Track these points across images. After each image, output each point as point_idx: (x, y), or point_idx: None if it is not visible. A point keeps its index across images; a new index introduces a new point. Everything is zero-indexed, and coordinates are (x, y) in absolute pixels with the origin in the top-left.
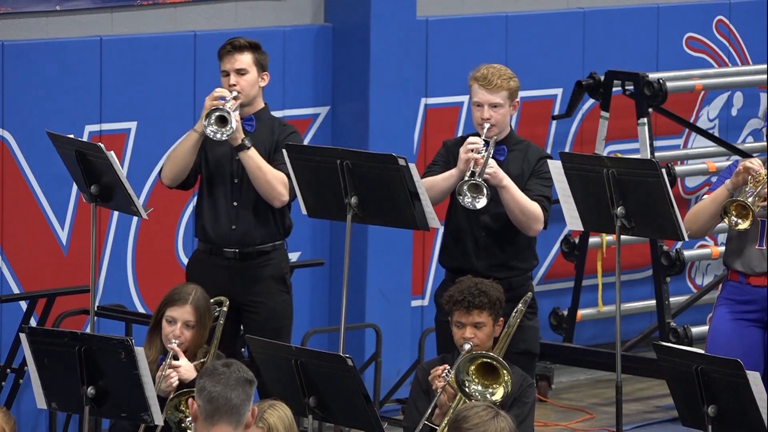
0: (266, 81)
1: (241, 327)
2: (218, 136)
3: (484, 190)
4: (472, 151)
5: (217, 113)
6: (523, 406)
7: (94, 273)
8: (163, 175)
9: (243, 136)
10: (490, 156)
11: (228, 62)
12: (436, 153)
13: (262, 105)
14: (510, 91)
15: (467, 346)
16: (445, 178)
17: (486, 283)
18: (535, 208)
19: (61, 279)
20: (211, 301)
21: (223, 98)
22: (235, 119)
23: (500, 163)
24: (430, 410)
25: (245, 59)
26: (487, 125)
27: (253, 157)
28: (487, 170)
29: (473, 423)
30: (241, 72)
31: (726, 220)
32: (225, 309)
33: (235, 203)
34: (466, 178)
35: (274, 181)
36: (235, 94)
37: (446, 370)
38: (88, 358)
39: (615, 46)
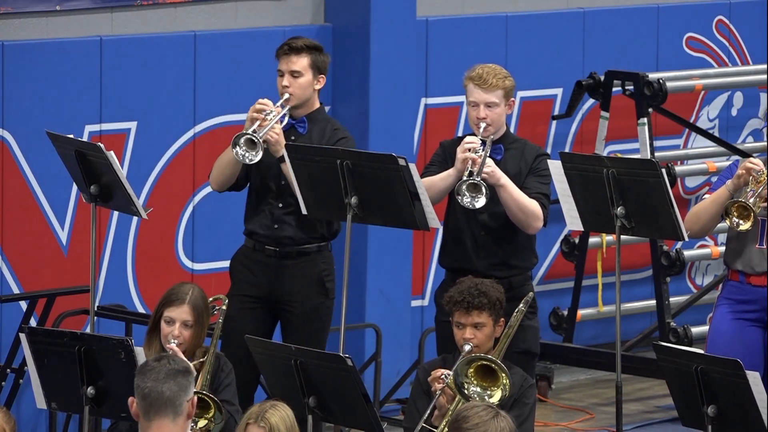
0: (322, 84)
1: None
2: (248, 159)
3: (483, 189)
4: (469, 150)
5: (245, 137)
6: (524, 407)
7: (94, 273)
8: (211, 180)
9: (283, 148)
10: (487, 155)
11: (284, 63)
12: (433, 153)
13: (317, 106)
14: (505, 90)
15: (467, 347)
16: (443, 178)
17: (486, 284)
18: (534, 206)
19: (61, 279)
20: (210, 300)
21: (264, 111)
22: (263, 146)
23: (497, 162)
24: (428, 411)
25: (301, 62)
26: (483, 125)
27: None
28: (485, 169)
29: (473, 423)
30: (295, 74)
31: (727, 221)
32: (224, 308)
33: (280, 205)
34: (464, 178)
35: None
36: (287, 96)
37: (445, 373)
38: (88, 358)
39: (615, 46)
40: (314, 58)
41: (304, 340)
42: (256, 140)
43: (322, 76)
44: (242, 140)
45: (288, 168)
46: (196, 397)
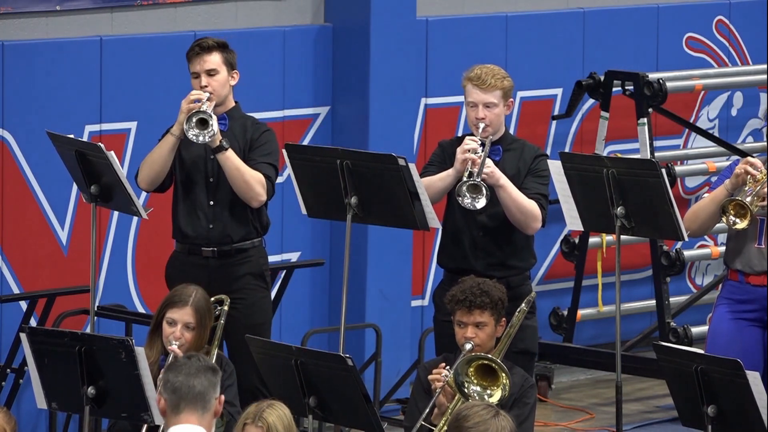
0: (236, 79)
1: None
2: (201, 138)
3: (484, 190)
4: (469, 151)
5: (198, 116)
6: (524, 407)
7: (94, 273)
8: (140, 180)
9: (221, 137)
10: (487, 156)
11: (197, 64)
12: (431, 153)
13: (233, 104)
14: (504, 91)
15: (468, 346)
16: (441, 178)
17: (488, 284)
18: (532, 206)
19: (61, 279)
20: (212, 299)
21: (198, 101)
22: (212, 119)
23: (496, 163)
24: (428, 410)
25: (214, 59)
26: (482, 125)
27: (231, 158)
28: (484, 170)
29: (474, 422)
30: (211, 73)
31: (724, 220)
32: (226, 308)
33: (211, 202)
34: (465, 179)
35: (252, 181)
36: (208, 95)
37: (446, 371)
38: (88, 358)
39: (615, 46)
40: (225, 54)
41: (251, 335)
42: (206, 117)
43: (235, 71)
44: (194, 120)
45: (226, 158)
46: (223, 396)
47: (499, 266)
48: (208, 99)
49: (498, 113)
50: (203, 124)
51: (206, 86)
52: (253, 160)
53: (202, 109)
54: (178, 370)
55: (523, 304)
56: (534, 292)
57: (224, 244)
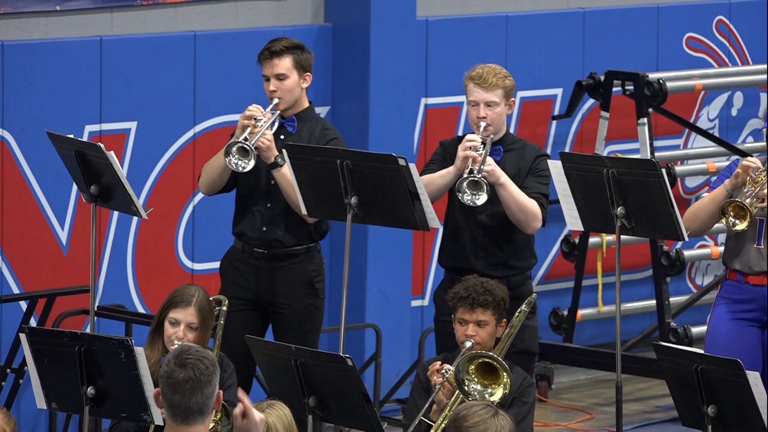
0: (308, 82)
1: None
2: (241, 167)
3: (484, 187)
4: (470, 149)
5: (237, 146)
6: (523, 406)
7: (94, 273)
8: (201, 185)
9: (276, 153)
10: (488, 154)
11: (267, 68)
12: (432, 152)
13: (306, 105)
14: (505, 90)
15: (468, 344)
16: (442, 176)
17: (491, 283)
18: (533, 205)
19: (61, 279)
20: (211, 299)
21: (255, 117)
22: (255, 154)
23: (497, 163)
24: (427, 406)
25: (284, 64)
26: (483, 124)
27: (286, 175)
28: (485, 168)
29: (473, 421)
30: (280, 77)
31: (724, 221)
32: (224, 308)
33: (269, 205)
34: (465, 175)
35: None
36: (276, 101)
37: (445, 368)
38: (88, 358)
39: (615, 46)
40: (296, 57)
41: (296, 341)
42: (248, 148)
43: (308, 73)
44: (234, 149)
45: (281, 174)
46: (221, 392)
47: (499, 266)
48: (276, 105)
49: (499, 112)
50: (245, 152)
51: (275, 90)
52: None
53: (241, 140)
54: (173, 388)
55: (524, 305)
56: (535, 293)
57: (275, 248)
